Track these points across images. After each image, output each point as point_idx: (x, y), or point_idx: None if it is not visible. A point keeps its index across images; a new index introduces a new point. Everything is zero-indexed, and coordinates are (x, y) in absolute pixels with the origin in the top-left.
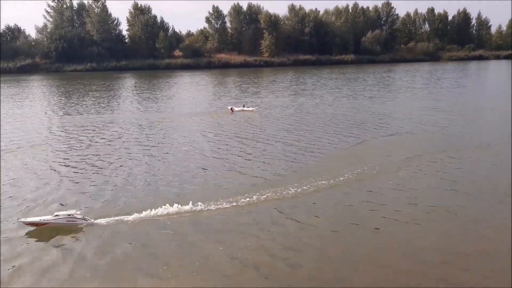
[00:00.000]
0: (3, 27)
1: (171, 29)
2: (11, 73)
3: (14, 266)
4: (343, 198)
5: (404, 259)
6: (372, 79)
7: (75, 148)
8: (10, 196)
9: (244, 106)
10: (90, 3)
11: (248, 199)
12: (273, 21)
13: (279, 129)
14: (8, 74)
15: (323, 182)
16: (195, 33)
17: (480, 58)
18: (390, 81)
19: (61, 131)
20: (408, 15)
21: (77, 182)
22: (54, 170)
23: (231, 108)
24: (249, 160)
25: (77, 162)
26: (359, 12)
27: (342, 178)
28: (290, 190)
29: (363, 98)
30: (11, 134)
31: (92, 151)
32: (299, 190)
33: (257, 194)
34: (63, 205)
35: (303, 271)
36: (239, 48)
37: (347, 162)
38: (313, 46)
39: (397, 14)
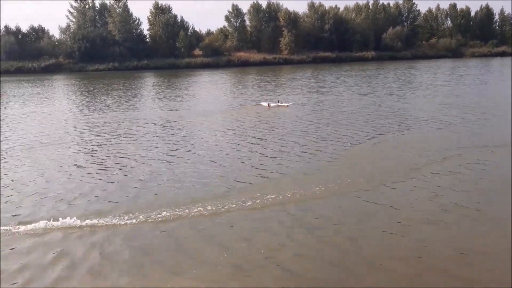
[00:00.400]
0: (27, 27)
1: (191, 28)
2: (36, 73)
3: None
4: (360, 200)
5: (421, 261)
6: (393, 76)
7: (94, 146)
8: (35, 193)
9: (278, 102)
10: (111, 3)
11: (258, 201)
12: (293, 19)
13: (295, 127)
14: (33, 74)
15: (340, 182)
16: (214, 31)
17: (503, 54)
18: (411, 78)
19: (81, 129)
20: (430, 11)
21: (95, 180)
22: (71, 167)
23: (268, 104)
24: (263, 160)
25: (95, 159)
26: (379, 9)
27: (360, 178)
28: (306, 191)
29: (383, 95)
30: (34, 132)
31: (111, 148)
32: (314, 191)
33: (268, 196)
34: (71, 206)
35: (316, 273)
36: (259, 46)
37: (365, 162)
38: (333, 43)
39: (419, 10)
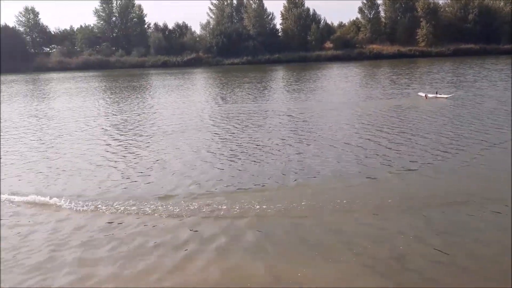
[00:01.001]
0: (173, 24)
1: (322, 21)
2: (179, 67)
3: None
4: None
5: None
6: None
7: (226, 133)
8: (173, 173)
9: (437, 93)
10: None
11: (379, 201)
12: (432, 9)
13: (426, 121)
14: (176, 67)
15: (474, 187)
16: (347, 24)
17: None
18: None
19: (214, 118)
20: None
21: (226, 165)
22: (204, 152)
23: (425, 95)
24: (395, 157)
25: (227, 146)
26: None
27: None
28: (437, 193)
29: None
30: (170, 120)
31: (241, 136)
32: (446, 192)
33: (398, 194)
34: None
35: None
36: (392, 38)
37: (505, 164)
38: (477, 35)
39: None
